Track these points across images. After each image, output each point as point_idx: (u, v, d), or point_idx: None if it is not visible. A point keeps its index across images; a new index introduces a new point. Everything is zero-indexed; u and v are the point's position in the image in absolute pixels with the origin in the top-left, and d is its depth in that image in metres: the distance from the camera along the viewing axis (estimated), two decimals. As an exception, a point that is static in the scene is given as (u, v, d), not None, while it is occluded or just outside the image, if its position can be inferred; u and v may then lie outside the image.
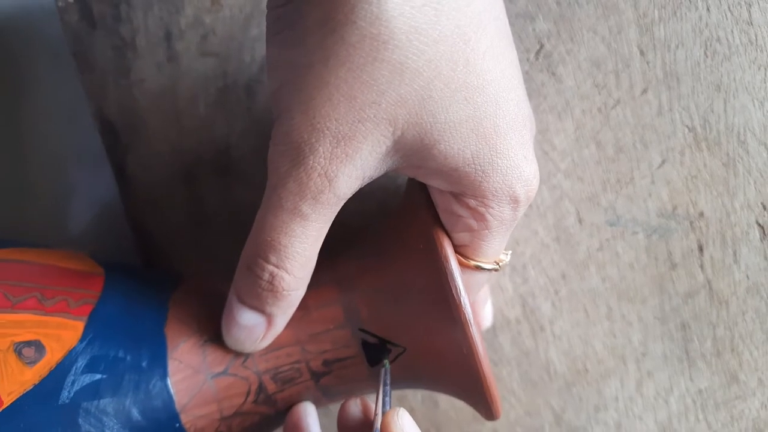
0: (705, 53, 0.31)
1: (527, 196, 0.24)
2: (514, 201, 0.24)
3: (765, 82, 0.31)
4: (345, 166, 0.23)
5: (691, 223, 0.33)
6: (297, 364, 0.28)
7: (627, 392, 0.35)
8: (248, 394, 0.27)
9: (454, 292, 0.24)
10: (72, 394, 0.24)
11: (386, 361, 0.26)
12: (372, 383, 0.28)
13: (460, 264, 0.25)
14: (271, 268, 0.25)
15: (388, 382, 0.26)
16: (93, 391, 0.25)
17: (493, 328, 0.35)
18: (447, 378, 0.27)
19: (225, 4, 0.33)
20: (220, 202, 0.35)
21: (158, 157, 0.35)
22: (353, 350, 0.27)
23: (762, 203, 0.32)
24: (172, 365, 0.27)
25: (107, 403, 0.25)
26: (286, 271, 0.25)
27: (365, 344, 0.27)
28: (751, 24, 0.31)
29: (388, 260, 0.27)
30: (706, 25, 0.31)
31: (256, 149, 0.35)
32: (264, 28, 0.33)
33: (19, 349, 0.24)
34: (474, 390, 0.26)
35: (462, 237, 0.25)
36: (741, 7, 0.31)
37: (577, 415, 0.35)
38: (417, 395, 0.36)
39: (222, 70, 0.34)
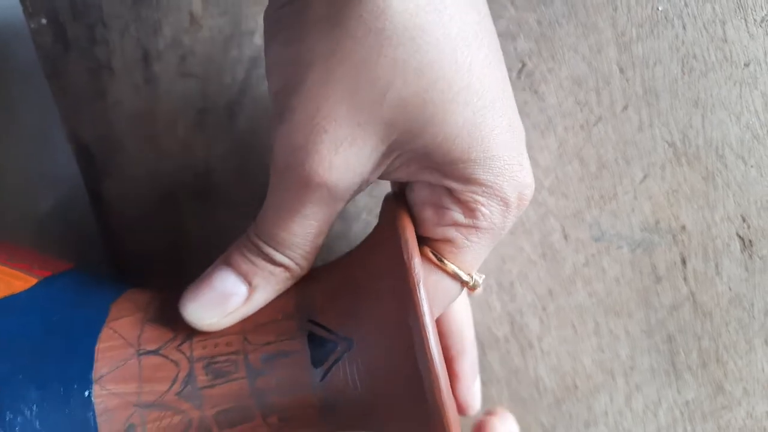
0: (682, 70, 0.32)
1: (519, 203, 0.24)
2: (505, 204, 0.24)
3: (741, 98, 0.32)
4: (344, 172, 0.23)
5: (674, 236, 0.34)
6: (234, 356, 0.25)
7: (616, 407, 0.35)
8: (174, 381, 0.25)
9: (406, 256, 0.23)
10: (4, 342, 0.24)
11: None
12: (310, 404, 0.26)
13: (437, 266, 0.25)
14: (271, 249, 0.25)
15: None
16: (17, 330, 0.24)
17: (482, 346, 0.35)
18: (396, 392, 0.25)
19: (204, 25, 0.32)
20: (201, 227, 0.35)
21: (136, 181, 0.34)
22: (298, 345, 0.25)
23: (741, 215, 0.33)
24: (104, 332, 0.25)
25: (25, 344, 0.24)
26: (287, 257, 0.25)
27: (311, 337, 0.25)
28: (726, 41, 0.32)
29: (353, 257, 0.27)
30: (683, 42, 0.32)
31: (238, 172, 0.34)
32: (244, 49, 0.33)
33: None
34: (423, 403, 0.23)
35: (446, 231, 0.24)
36: (716, 25, 0.31)
37: (568, 432, 0.35)
38: None
39: (201, 91, 0.33)
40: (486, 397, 0.35)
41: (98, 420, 0.24)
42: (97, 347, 0.25)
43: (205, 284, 0.25)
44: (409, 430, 0.25)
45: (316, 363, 0.25)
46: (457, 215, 0.24)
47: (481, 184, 0.23)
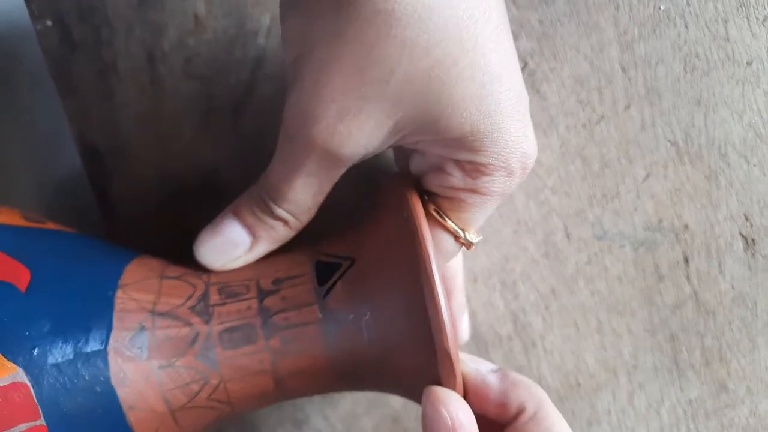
0: (684, 69, 0.32)
1: (522, 172, 0.25)
2: (509, 172, 0.25)
3: (743, 96, 0.32)
4: (347, 140, 0.24)
5: (677, 235, 0.34)
6: (248, 281, 0.28)
7: (619, 405, 0.35)
8: (189, 298, 0.27)
9: (408, 194, 0.25)
10: (44, 238, 0.28)
11: None
12: (313, 320, 0.27)
13: (438, 222, 0.26)
14: (274, 204, 0.27)
15: None
16: (64, 243, 0.28)
17: (486, 345, 0.35)
18: (396, 302, 0.25)
19: (209, 26, 0.33)
20: (207, 226, 0.35)
21: (143, 182, 0.34)
22: (305, 269, 0.28)
23: (744, 214, 0.33)
24: (135, 261, 0.29)
25: (67, 250, 0.28)
26: (289, 212, 0.27)
27: (318, 263, 0.28)
28: (728, 40, 0.32)
29: (356, 216, 0.29)
30: (685, 41, 0.32)
31: (244, 171, 0.34)
32: (248, 50, 0.33)
33: (26, 216, 0.29)
34: (424, 326, 0.24)
35: (450, 192, 0.26)
36: (718, 24, 0.31)
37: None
38: (410, 414, 0.36)
39: (207, 92, 0.33)
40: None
41: (114, 316, 0.26)
42: (126, 267, 0.28)
43: (215, 231, 0.28)
44: (409, 353, 0.26)
45: (321, 281, 0.27)
46: (461, 180, 0.25)
47: (487, 156, 0.24)
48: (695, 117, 0.32)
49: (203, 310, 0.27)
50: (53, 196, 0.37)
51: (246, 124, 0.34)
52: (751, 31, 0.31)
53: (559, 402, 0.35)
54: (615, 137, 0.33)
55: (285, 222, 0.27)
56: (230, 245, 0.28)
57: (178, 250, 0.35)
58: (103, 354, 0.26)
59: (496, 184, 0.25)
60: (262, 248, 0.28)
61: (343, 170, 0.26)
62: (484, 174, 0.25)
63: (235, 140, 0.34)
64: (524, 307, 0.35)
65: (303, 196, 0.26)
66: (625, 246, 0.34)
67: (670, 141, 0.33)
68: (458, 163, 0.25)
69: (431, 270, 0.24)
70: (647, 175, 0.33)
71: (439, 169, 0.26)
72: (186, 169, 0.34)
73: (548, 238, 0.34)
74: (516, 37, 0.32)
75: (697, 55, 0.32)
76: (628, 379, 0.35)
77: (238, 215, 0.28)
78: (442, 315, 0.24)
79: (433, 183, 0.26)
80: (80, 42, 0.33)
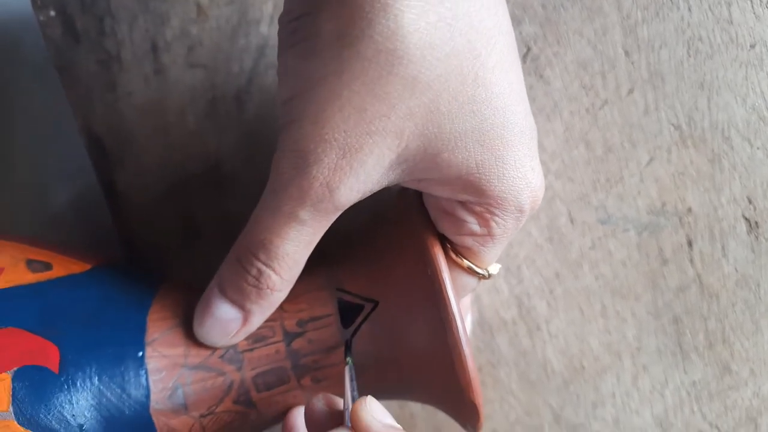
0: (688, 52, 0.32)
1: (532, 206, 0.25)
2: (520, 210, 0.24)
3: (746, 79, 0.32)
4: (348, 179, 0.23)
5: (680, 218, 0.34)
6: (272, 323, 0.28)
7: (623, 387, 0.35)
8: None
9: (430, 245, 0.25)
10: (57, 296, 0.27)
11: (349, 359, 0.26)
12: (341, 362, 0.28)
13: (453, 263, 0.26)
14: (259, 264, 0.25)
15: (354, 377, 0.26)
16: (78, 301, 0.27)
17: (490, 329, 0.35)
18: (421, 346, 0.26)
19: (211, 15, 0.33)
20: (212, 216, 0.35)
21: (148, 171, 0.34)
22: (328, 309, 0.28)
23: (747, 197, 0.33)
24: (155, 306, 0.28)
25: (85, 312, 0.27)
26: (274, 271, 0.25)
27: (340, 302, 0.28)
28: (731, 23, 0.32)
29: (373, 236, 0.29)
30: (688, 24, 0.32)
31: (248, 161, 0.34)
32: (251, 38, 0.33)
33: (29, 261, 0.27)
34: (448, 361, 0.25)
35: (464, 240, 0.25)
36: (721, 6, 0.31)
37: (576, 413, 0.36)
38: (416, 400, 0.36)
39: (210, 81, 0.33)
40: (495, 379, 0.36)
41: (149, 378, 0.27)
42: (148, 317, 0.28)
43: (206, 311, 0.27)
44: (434, 383, 0.27)
45: (345, 323, 0.28)
46: (473, 226, 0.25)
47: (495, 197, 0.24)
48: (698, 100, 0.32)
49: (233, 357, 0.28)
50: (61, 188, 0.37)
51: (249, 113, 0.34)
52: (754, 13, 0.31)
53: (564, 385, 0.36)
54: (618, 122, 0.33)
55: (271, 287, 0.26)
56: (223, 324, 0.27)
57: (183, 238, 0.35)
58: (147, 417, 0.26)
59: (509, 223, 0.25)
60: (256, 320, 0.27)
61: (336, 216, 0.25)
62: (495, 215, 0.24)
63: (239, 128, 0.34)
64: (528, 292, 0.35)
65: (293, 247, 0.25)
66: (629, 230, 0.34)
67: (673, 125, 0.33)
68: (467, 207, 0.24)
69: (459, 336, 0.24)
70: (650, 159, 0.33)
71: (451, 215, 0.25)
72: (190, 157, 0.34)
73: (552, 223, 0.34)
74: (519, 22, 0.32)
75: (700, 39, 0.32)
76: (632, 362, 0.35)
77: (222, 291, 0.27)
78: (469, 375, 0.25)
79: (448, 232, 0.26)
80: (83, 32, 0.33)
